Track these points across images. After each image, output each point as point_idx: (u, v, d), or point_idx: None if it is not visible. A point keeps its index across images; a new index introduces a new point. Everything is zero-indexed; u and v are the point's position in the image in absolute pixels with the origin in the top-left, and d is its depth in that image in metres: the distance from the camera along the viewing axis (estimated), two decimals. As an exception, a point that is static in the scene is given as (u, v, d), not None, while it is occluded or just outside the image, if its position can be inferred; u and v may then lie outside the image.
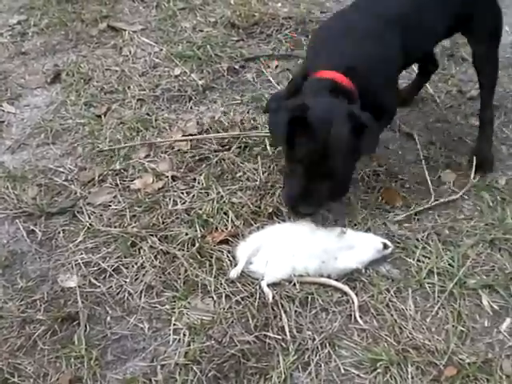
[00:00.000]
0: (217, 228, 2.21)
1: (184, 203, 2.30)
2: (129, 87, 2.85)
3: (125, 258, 2.12)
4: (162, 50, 3.12)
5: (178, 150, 2.51)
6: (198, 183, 2.38)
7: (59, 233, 2.21)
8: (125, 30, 3.25)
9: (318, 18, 3.41)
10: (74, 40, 3.20)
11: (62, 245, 2.18)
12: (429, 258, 2.16)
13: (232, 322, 1.94)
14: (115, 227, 2.21)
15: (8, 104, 2.79)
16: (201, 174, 2.42)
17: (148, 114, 2.70)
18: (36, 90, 2.87)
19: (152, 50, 3.13)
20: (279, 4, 3.55)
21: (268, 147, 2.53)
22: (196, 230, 2.19)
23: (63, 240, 2.19)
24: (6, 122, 2.70)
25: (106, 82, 2.89)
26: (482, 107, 2.63)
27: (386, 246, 2.14)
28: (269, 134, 2.40)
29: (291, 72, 3.00)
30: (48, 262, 2.12)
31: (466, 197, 2.42)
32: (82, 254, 2.14)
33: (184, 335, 1.90)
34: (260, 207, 2.28)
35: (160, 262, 2.10)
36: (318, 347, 1.89)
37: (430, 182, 2.43)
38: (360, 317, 1.97)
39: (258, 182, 2.38)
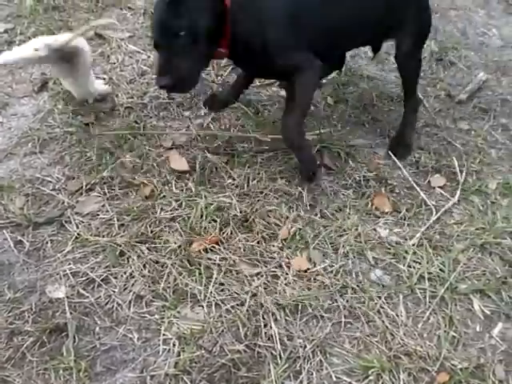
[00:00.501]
0: (204, 235, 2.20)
1: (172, 211, 2.28)
2: (117, 95, 2.83)
3: (113, 267, 2.09)
4: (149, 57, 3.10)
5: (167, 158, 2.49)
6: (187, 190, 2.36)
7: (47, 243, 2.18)
8: (112, 38, 3.22)
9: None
10: (61, 48, 3.17)
11: (49, 255, 2.15)
12: (419, 264, 2.16)
13: (222, 330, 1.92)
14: (103, 237, 2.19)
15: (-5, 114, 2.76)
16: (189, 180, 2.41)
17: (136, 122, 2.68)
18: (23, 99, 2.84)
19: (140, 57, 3.11)
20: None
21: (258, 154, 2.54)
22: (184, 238, 2.17)
23: (51, 250, 2.16)
24: (-7, 132, 2.67)
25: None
26: (405, 97, 2.68)
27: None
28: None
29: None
30: (36, 273, 2.09)
31: (456, 201, 2.42)
32: (70, 264, 2.11)
33: (174, 345, 1.88)
34: (248, 213, 2.28)
35: (149, 272, 2.08)
36: (309, 355, 1.88)
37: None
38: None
39: (246, 189, 2.37)
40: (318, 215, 2.31)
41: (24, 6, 3.52)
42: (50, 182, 2.41)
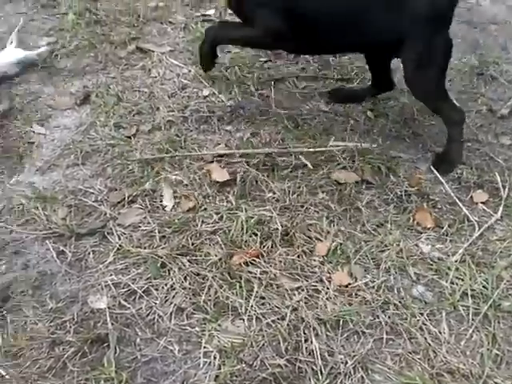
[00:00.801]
0: (245, 248, 2.20)
1: (213, 224, 2.29)
2: (158, 108, 2.86)
3: (154, 279, 2.10)
4: (190, 71, 3.13)
5: (208, 171, 2.50)
6: (227, 203, 2.37)
7: (89, 254, 2.21)
8: (153, 52, 3.26)
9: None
10: (103, 62, 3.21)
11: (91, 266, 2.17)
12: (462, 280, 2.13)
13: (263, 344, 1.92)
14: (145, 248, 2.20)
15: (38, 125, 2.80)
16: (229, 193, 2.42)
17: (177, 135, 2.70)
18: (66, 112, 2.88)
19: (180, 71, 3.14)
20: (306, 25, 3.55)
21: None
22: (225, 251, 2.18)
23: (93, 261, 2.18)
24: (36, 143, 2.70)
25: (135, 103, 2.89)
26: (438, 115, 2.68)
27: None
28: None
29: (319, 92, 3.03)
30: (78, 283, 2.11)
31: (499, 217, 2.39)
32: (111, 275, 2.13)
33: (214, 358, 1.88)
34: (289, 227, 2.27)
35: (190, 284, 2.08)
36: (350, 371, 1.86)
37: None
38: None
39: (287, 203, 2.37)
40: (359, 230, 2.30)
41: (66, 19, 3.59)
42: (93, 193, 2.43)
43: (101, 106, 2.88)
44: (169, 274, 2.12)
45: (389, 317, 2.01)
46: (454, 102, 2.70)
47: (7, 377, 1.84)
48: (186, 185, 2.45)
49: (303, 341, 1.93)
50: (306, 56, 3.25)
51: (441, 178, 2.52)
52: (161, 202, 2.38)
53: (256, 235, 2.23)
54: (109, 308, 2.02)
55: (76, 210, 2.36)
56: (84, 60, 3.25)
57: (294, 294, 2.06)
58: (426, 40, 2.47)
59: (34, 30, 3.53)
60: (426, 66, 2.50)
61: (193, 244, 2.21)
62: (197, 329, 1.96)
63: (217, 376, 1.83)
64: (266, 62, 3.24)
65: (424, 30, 2.45)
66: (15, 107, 2.91)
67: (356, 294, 2.08)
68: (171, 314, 2.01)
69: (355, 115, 2.87)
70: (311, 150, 2.59)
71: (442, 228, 2.33)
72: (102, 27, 3.47)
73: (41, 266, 2.18)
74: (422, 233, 2.31)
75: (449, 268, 2.17)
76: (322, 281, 2.11)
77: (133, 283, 2.09)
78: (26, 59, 3.14)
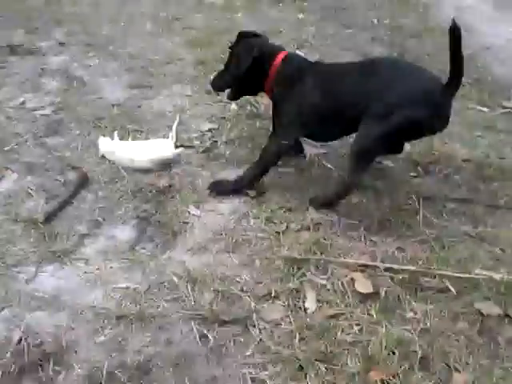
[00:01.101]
0: (382, 366, 2.21)
1: (353, 335, 2.32)
2: (307, 209, 2.96)
3: (291, 380, 2.15)
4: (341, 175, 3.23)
5: (351, 279, 2.55)
6: (369, 316, 2.40)
7: (230, 342, 2.29)
8: (307, 152, 3.40)
9: (494, 163, 3.43)
10: (259, 155, 3.36)
11: (231, 354, 2.24)
12: None
13: None
14: (284, 347, 2.26)
15: (194, 206, 2.97)
16: (371, 306, 2.45)
17: (324, 238, 2.78)
18: (221, 197, 3.04)
19: (332, 174, 3.25)
20: (458, 145, 3.60)
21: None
22: (363, 365, 2.20)
23: (233, 350, 2.26)
24: (190, 224, 2.86)
25: (287, 200, 3.01)
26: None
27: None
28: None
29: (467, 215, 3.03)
30: (216, 370, 2.18)
31: None
32: (249, 367, 2.19)
33: None
34: (427, 351, 2.27)
35: (324, 391, 2.12)
36: None
37: None
38: None
39: (427, 326, 2.38)
40: (498, 366, 2.25)
41: (228, 108, 3.83)
42: (239, 282, 2.54)
43: (255, 197, 3.02)
44: (305, 378, 2.15)
45: None
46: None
47: None
48: (329, 290, 2.52)
49: None
50: (456, 177, 3.30)
51: None
52: (303, 302, 2.45)
53: (394, 354, 2.24)
54: (244, 401, 2.08)
55: (222, 296, 2.47)
56: (241, 150, 3.44)
57: (429, 422, 2.05)
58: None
59: (198, 115, 3.78)
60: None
61: (331, 352, 2.24)
62: None
63: None
64: (415, 177, 3.30)
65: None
66: (174, 186, 3.11)
67: (490, 432, 2.04)
68: (304, 418, 2.04)
69: (502, 244, 2.85)
70: (456, 274, 2.59)
71: None
72: (262, 121, 3.66)
73: (183, 345, 2.28)
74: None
75: None
76: (456, 413, 2.09)
77: (269, 380, 2.15)
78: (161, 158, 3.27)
